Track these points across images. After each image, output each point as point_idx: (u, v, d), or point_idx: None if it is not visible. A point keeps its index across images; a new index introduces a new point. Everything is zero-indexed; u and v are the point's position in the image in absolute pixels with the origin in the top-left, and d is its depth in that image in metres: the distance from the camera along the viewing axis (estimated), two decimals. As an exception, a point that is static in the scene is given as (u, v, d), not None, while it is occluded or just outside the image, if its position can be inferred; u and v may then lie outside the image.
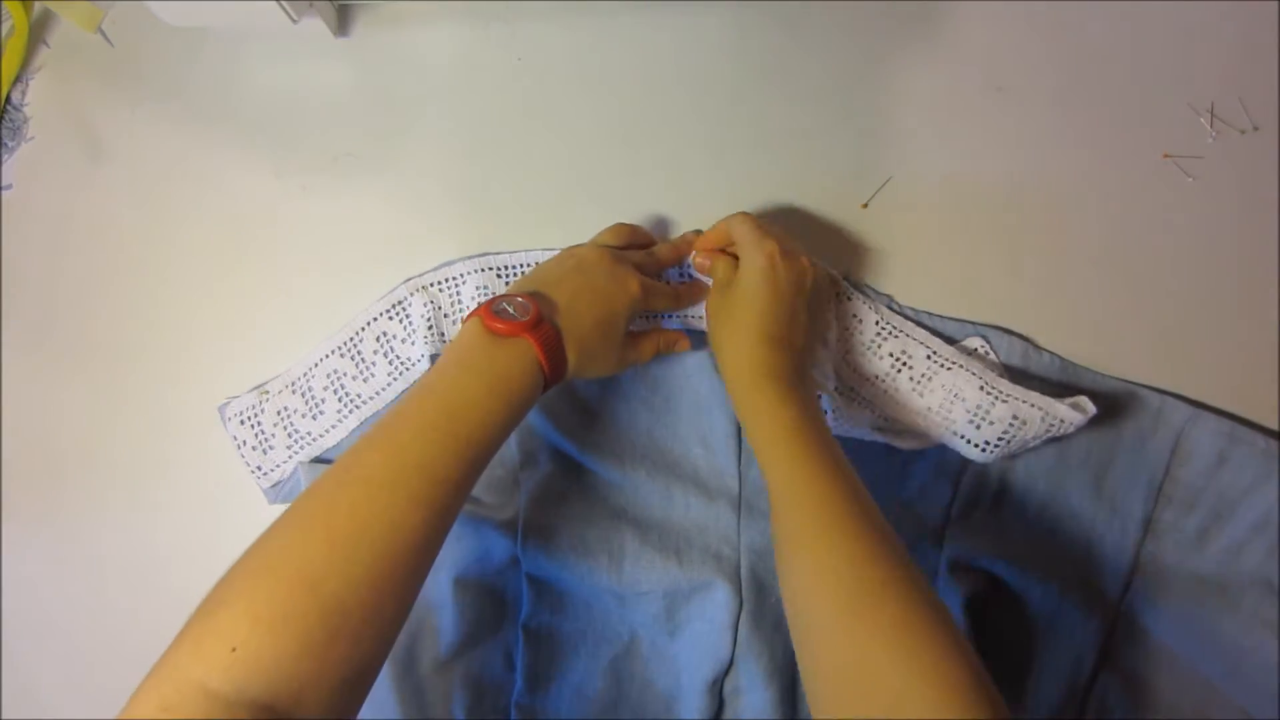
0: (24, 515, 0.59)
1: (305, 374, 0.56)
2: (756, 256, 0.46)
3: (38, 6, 0.66)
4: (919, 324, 0.52)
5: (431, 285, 0.55)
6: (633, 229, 0.53)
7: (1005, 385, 0.48)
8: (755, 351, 0.45)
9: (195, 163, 0.61)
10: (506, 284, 0.54)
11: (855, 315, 0.52)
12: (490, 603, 0.52)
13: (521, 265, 0.55)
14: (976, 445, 0.48)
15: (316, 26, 0.59)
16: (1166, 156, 0.53)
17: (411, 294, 0.55)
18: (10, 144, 0.64)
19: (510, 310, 0.43)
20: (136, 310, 0.60)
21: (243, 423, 0.56)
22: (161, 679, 0.32)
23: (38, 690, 0.57)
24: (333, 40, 0.61)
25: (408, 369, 0.55)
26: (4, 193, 0.63)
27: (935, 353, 0.50)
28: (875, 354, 0.52)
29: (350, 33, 0.61)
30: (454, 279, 0.55)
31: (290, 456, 0.56)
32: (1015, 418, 0.47)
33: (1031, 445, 0.48)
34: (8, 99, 0.64)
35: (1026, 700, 0.49)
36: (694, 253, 0.52)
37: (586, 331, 0.45)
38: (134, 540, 0.57)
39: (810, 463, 0.41)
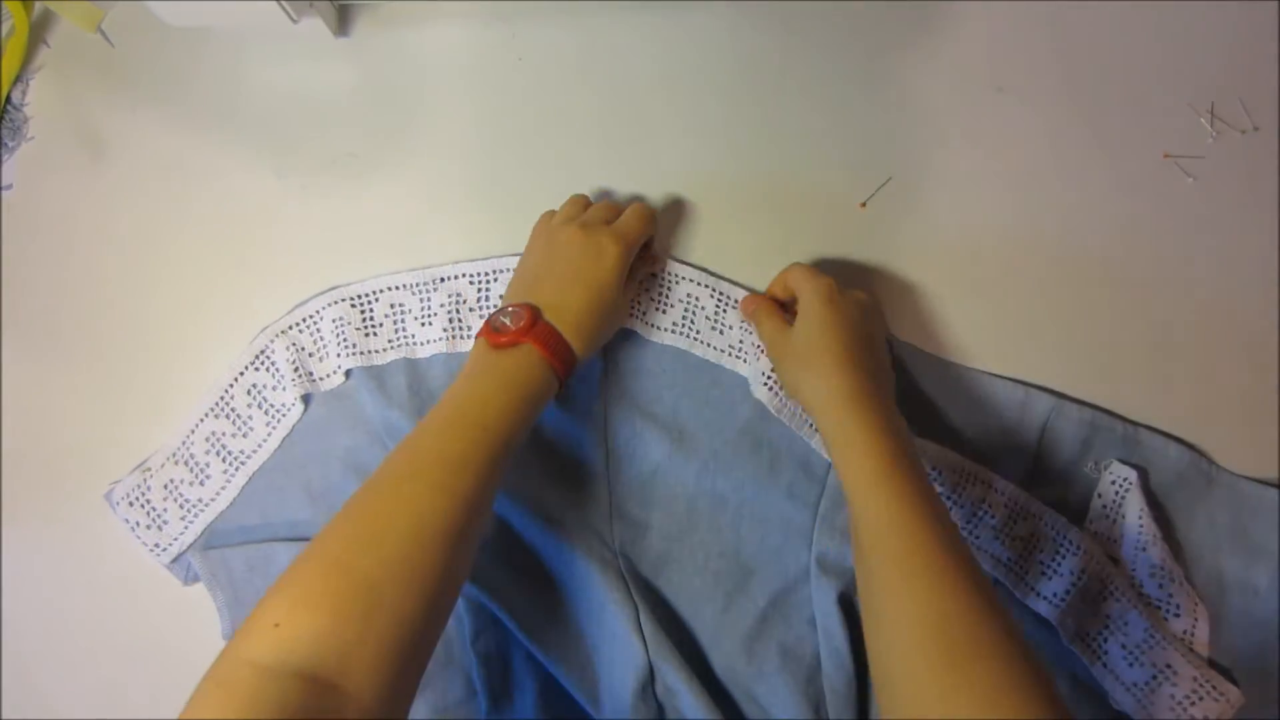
0: (24, 515, 0.59)
1: (184, 442, 0.56)
2: (817, 289, 0.47)
3: (38, 6, 0.66)
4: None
5: (291, 328, 0.56)
6: (585, 198, 0.54)
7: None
8: (841, 377, 0.44)
9: (195, 163, 0.61)
10: (362, 313, 0.55)
11: None
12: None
13: (375, 292, 0.56)
14: None
15: (316, 26, 0.59)
16: (1167, 156, 0.53)
17: (272, 340, 0.56)
18: (10, 144, 0.64)
19: (507, 322, 0.45)
20: (136, 310, 0.60)
21: (131, 504, 0.56)
22: (218, 662, 0.35)
23: (38, 690, 0.57)
24: (333, 40, 0.61)
25: (283, 415, 0.56)
26: (4, 192, 0.63)
27: None
28: None
29: (350, 33, 0.61)
30: (311, 317, 0.56)
31: (186, 527, 0.56)
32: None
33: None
34: (8, 99, 0.64)
35: None
36: (741, 300, 0.53)
37: (582, 316, 0.47)
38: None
39: (906, 504, 0.40)
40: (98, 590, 0.57)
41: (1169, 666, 0.47)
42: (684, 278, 0.54)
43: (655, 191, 0.57)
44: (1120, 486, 0.50)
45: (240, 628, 0.36)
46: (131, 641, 0.57)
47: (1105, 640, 0.49)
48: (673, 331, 0.54)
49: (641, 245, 0.51)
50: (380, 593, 0.36)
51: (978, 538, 0.50)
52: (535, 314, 0.46)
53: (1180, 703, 0.47)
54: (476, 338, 0.46)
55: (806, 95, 0.57)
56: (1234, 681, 0.47)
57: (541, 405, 0.45)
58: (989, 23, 0.56)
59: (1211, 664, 0.48)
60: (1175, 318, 0.52)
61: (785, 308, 0.51)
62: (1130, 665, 0.48)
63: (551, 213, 0.53)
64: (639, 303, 0.54)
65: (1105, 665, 0.49)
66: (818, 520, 0.51)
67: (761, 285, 0.55)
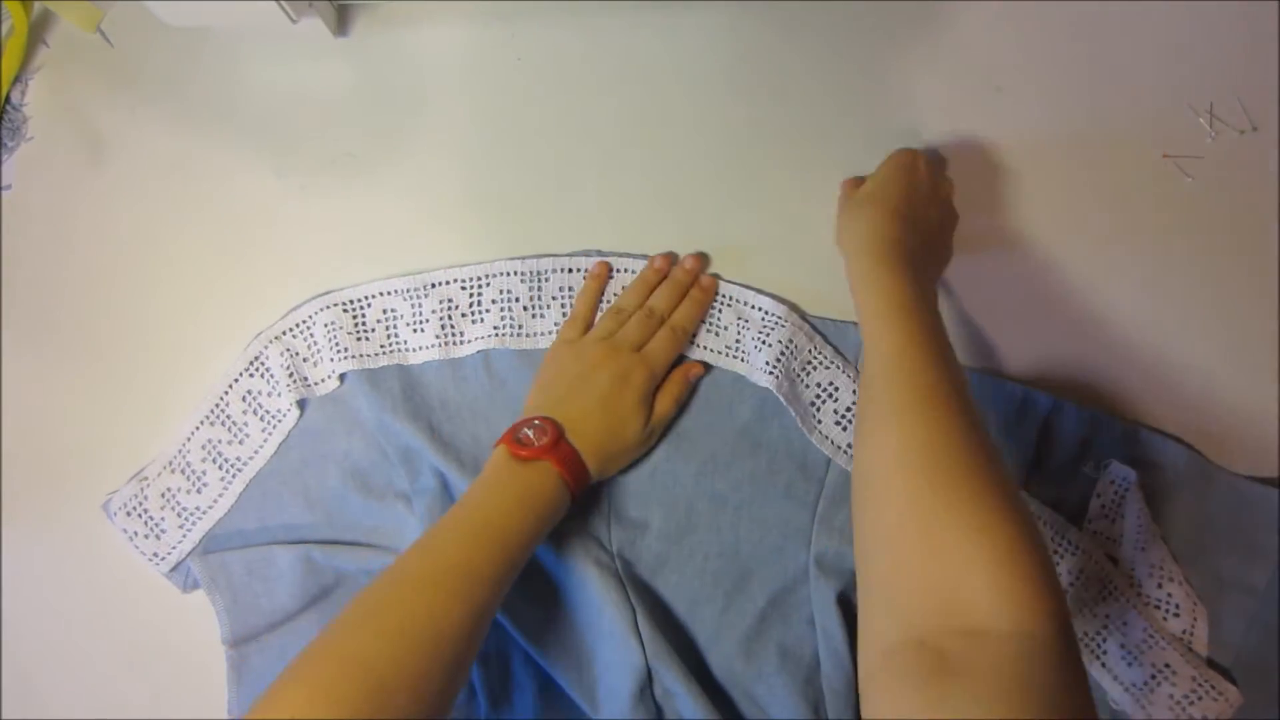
0: (24, 515, 0.59)
1: (180, 450, 0.56)
2: (903, 153, 0.50)
3: (37, 6, 0.66)
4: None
5: (284, 334, 0.56)
6: (619, 308, 0.53)
7: None
8: (878, 226, 0.46)
9: (195, 163, 0.61)
10: (354, 318, 0.56)
11: (839, 377, 0.53)
12: None
13: (367, 297, 0.56)
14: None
15: (316, 26, 0.59)
16: (1166, 156, 0.53)
17: (266, 346, 0.56)
18: (10, 144, 0.64)
19: (531, 435, 0.47)
20: (136, 310, 0.60)
21: (129, 514, 0.56)
22: None
23: (38, 690, 0.57)
24: (332, 40, 0.61)
25: (279, 421, 0.56)
26: (3, 193, 0.63)
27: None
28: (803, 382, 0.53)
29: (350, 33, 0.61)
30: (304, 322, 0.56)
31: (184, 536, 0.56)
32: None
33: None
34: (7, 99, 0.64)
35: None
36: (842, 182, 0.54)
37: (601, 441, 0.49)
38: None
39: (914, 339, 0.41)
40: (97, 591, 0.57)
41: (1167, 666, 0.47)
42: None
43: (654, 190, 0.57)
44: (1119, 486, 0.50)
45: (259, 704, 0.37)
46: (131, 643, 0.57)
47: (1104, 640, 0.49)
48: (704, 348, 0.54)
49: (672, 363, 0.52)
50: (392, 696, 0.37)
51: None
52: (559, 432, 0.47)
53: (1179, 702, 0.47)
54: (498, 444, 0.48)
55: (806, 95, 0.57)
56: (1233, 681, 0.47)
57: (554, 521, 0.47)
58: (989, 23, 0.56)
59: (1210, 664, 0.48)
60: (1175, 318, 0.52)
61: None
62: (1129, 665, 0.48)
63: (578, 323, 0.54)
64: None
65: (1104, 665, 0.49)
66: (816, 520, 0.51)
67: (761, 286, 0.55)
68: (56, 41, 0.66)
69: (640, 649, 0.48)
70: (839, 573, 0.50)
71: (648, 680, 0.49)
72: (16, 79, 0.65)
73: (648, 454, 0.53)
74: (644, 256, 0.55)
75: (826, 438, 0.52)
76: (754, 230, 0.56)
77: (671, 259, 0.55)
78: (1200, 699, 0.47)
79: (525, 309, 0.55)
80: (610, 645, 0.49)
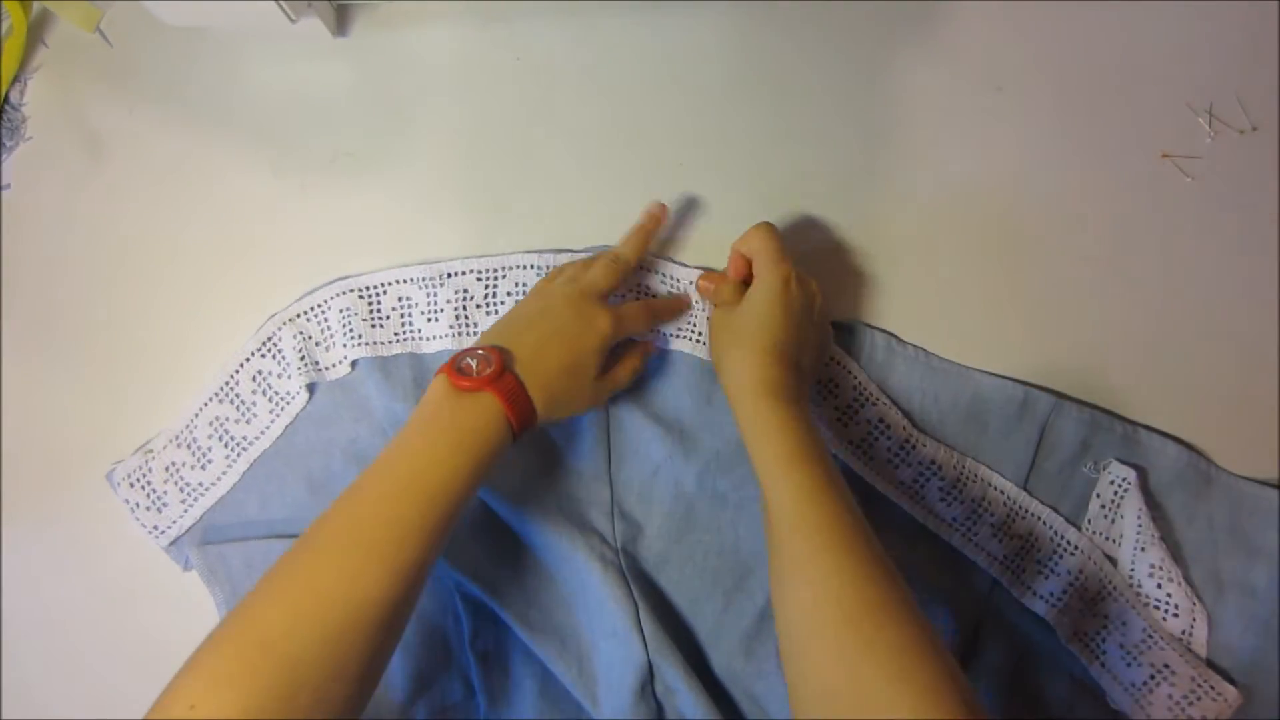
0: (24, 515, 0.59)
1: (188, 425, 0.56)
2: (773, 274, 0.47)
3: (36, 6, 0.66)
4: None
5: (299, 316, 0.56)
6: (623, 267, 0.51)
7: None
8: (764, 369, 0.45)
9: (194, 163, 0.61)
10: (370, 304, 0.55)
11: (839, 373, 0.53)
12: (435, 640, 0.52)
13: (383, 284, 0.55)
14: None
15: (315, 26, 0.59)
16: (1165, 156, 0.53)
17: (280, 328, 0.56)
18: (9, 144, 0.64)
19: (473, 364, 0.43)
20: (136, 310, 0.60)
21: (132, 485, 0.56)
22: None
23: (38, 690, 0.57)
24: (331, 40, 0.61)
25: (287, 403, 0.56)
26: (3, 192, 0.63)
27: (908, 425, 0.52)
28: (854, 418, 0.52)
29: (349, 33, 0.61)
30: (319, 306, 0.56)
31: (185, 510, 0.56)
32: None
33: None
34: (6, 98, 0.64)
35: None
36: (698, 278, 0.53)
37: (553, 378, 0.45)
38: (134, 540, 0.57)
39: (814, 486, 0.41)
40: (97, 589, 0.58)
41: (1167, 666, 0.47)
42: (684, 280, 0.54)
43: (653, 190, 0.57)
44: (1119, 487, 0.50)
45: (158, 703, 0.34)
46: (131, 642, 0.57)
47: (1103, 640, 0.49)
48: (676, 336, 0.54)
49: (634, 335, 0.51)
50: (305, 673, 0.35)
51: (976, 535, 0.50)
52: (504, 362, 0.44)
53: (1178, 703, 0.47)
54: (437, 373, 0.44)
55: (805, 95, 0.57)
56: (1232, 682, 0.48)
57: (495, 461, 0.43)
58: (989, 23, 0.56)
59: (1210, 664, 0.48)
60: (1174, 318, 0.52)
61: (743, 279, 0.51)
62: (1128, 665, 0.48)
63: (561, 269, 0.53)
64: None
65: (1103, 665, 0.49)
66: None
67: (667, 209, 0.55)
68: (56, 41, 0.66)
69: (642, 645, 0.48)
70: None
71: (649, 677, 0.49)
72: (16, 79, 0.65)
73: (650, 452, 0.53)
74: (663, 257, 0.55)
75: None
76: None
77: (664, 208, 0.54)
78: (1199, 699, 0.47)
79: None
80: (612, 641, 0.49)
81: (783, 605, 0.41)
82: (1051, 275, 0.53)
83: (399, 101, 0.60)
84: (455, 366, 0.43)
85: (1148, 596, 0.49)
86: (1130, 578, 0.49)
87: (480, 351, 0.44)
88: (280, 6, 0.54)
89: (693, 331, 0.54)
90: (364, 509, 0.39)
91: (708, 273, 0.53)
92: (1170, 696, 0.47)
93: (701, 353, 0.53)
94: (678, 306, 0.53)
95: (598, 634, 0.50)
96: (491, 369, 0.43)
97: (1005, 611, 0.50)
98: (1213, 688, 0.47)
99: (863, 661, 0.36)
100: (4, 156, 0.63)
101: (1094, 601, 0.49)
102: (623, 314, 0.49)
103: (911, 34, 0.57)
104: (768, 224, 0.50)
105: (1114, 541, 0.50)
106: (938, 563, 0.51)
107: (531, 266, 0.55)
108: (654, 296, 0.54)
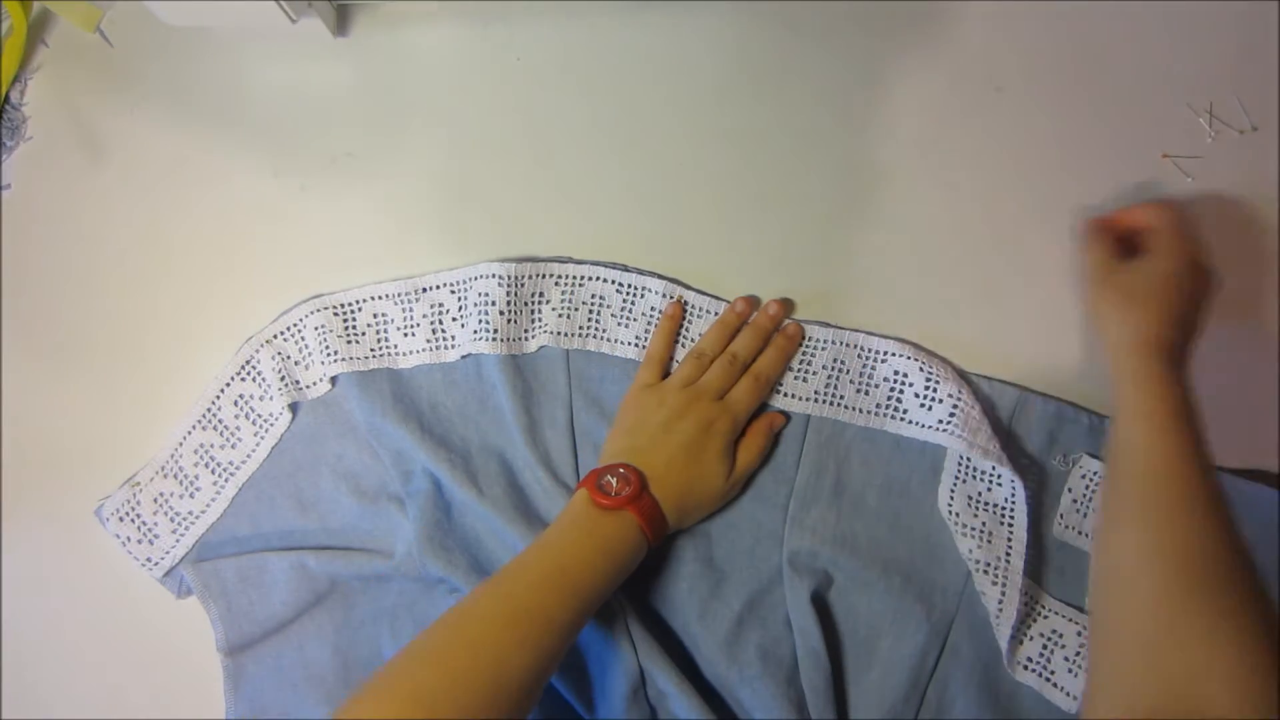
0: (24, 515, 0.59)
1: (172, 455, 0.56)
2: (1181, 251, 0.46)
3: (36, 6, 0.66)
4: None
5: (275, 337, 0.56)
6: (699, 353, 0.52)
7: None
8: (1160, 330, 0.44)
9: (194, 163, 0.61)
10: (344, 321, 0.55)
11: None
12: None
13: (358, 301, 0.56)
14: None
15: (315, 26, 0.59)
16: (1165, 157, 0.53)
17: (258, 350, 0.56)
18: (9, 144, 0.64)
19: (613, 483, 0.47)
20: (136, 310, 0.60)
21: (121, 519, 0.56)
22: None
23: (38, 690, 0.57)
24: (331, 40, 0.61)
25: (271, 425, 0.56)
26: (3, 192, 0.63)
27: None
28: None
29: (349, 33, 0.61)
30: (294, 325, 0.56)
31: (177, 541, 0.56)
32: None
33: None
34: (6, 98, 0.64)
35: (870, 690, 0.49)
36: (1092, 221, 0.51)
37: (682, 493, 0.48)
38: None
39: (1183, 449, 0.41)
40: (97, 592, 0.58)
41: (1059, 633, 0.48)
42: (703, 308, 0.55)
43: (653, 191, 0.57)
44: (1091, 481, 0.50)
45: None
46: (131, 643, 0.57)
47: (1049, 659, 0.49)
48: (635, 345, 0.54)
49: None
50: None
51: None
52: (641, 483, 0.47)
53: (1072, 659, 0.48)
54: (579, 487, 0.48)
55: (805, 96, 0.57)
56: None
57: (632, 568, 0.47)
58: (989, 23, 0.56)
59: None
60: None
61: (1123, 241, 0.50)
62: (1074, 675, 0.48)
63: (654, 365, 0.53)
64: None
65: (1055, 685, 0.49)
66: (788, 521, 0.52)
67: (754, 287, 0.55)
68: (56, 41, 0.66)
69: (632, 650, 0.48)
70: (811, 571, 0.50)
71: (640, 681, 0.49)
72: (16, 79, 0.65)
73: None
74: (652, 274, 0.55)
75: (911, 421, 0.51)
76: (752, 230, 0.56)
77: (754, 303, 0.54)
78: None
79: (501, 313, 0.54)
80: (602, 646, 0.49)
81: (1115, 543, 0.41)
82: (1051, 275, 0.53)
83: (399, 102, 0.60)
84: (597, 484, 0.47)
85: None
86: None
87: (621, 471, 0.47)
88: (280, 6, 0.54)
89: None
90: (519, 592, 0.43)
91: (1099, 223, 0.51)
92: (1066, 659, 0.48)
93: (819, 410, 0.52)
94: (781, 360, 0.53)
95: (589, 639, 0.50)
96: (630, 489, 0.46)
97: (979, 609, 0.50)
98: None
99: (1193, 609, 0.36)
100: (4, 156, 0.63)
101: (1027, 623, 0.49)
102: (735, 406, 0.50)
103: (911, 34, 0.57)
104: (1168, 203, 0.49)
105: (1087, 536, 0.50)
106: (914, 557, 0.51)
107: (494, 276, 0.54)
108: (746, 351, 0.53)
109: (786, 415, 0.53)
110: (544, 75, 0.59)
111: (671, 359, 0.54)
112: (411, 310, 0.55)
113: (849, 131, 0.56)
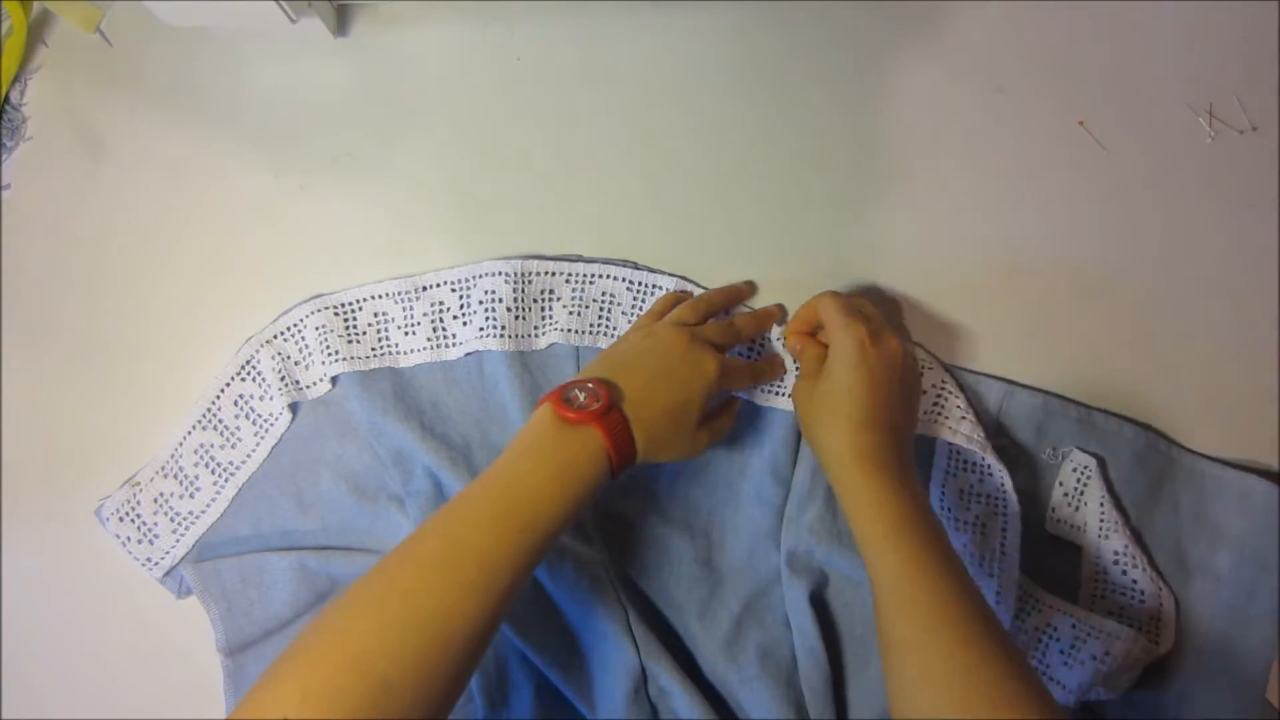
0: (24, 515, 0.59)
1: (173, 455, 0.56)
2: (845, 341, 0.45)
3: (36, 6, 0.66)
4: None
5: (276, 337, 0.56)
6: (706, 302, 0.51)
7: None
8: (854, 439, 0.43)
9: (194, 163, 0.61)
10: (345, 320, 0.55)
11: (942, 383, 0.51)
12: None
13: (358, 301, 0.55)
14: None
15: (315, 26, 0.59)
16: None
17: (258, 350, 0.56)
18: (9, 144, 0.64)
19: (580, 397, 0.43)
20: (136, 310, 0.60)
21: (121, 519, 0.56)
22: None
23: (38, 690, 0.57)
24: (331, 40, 0.61)
25: (271, 425, 0.56)
26: (3, 192, 0.63)
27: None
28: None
29: (349, 33, 0.61)
30: (295, 325, 0.56)
31: (177, 541, 0.56)
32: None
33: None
34: (6, 98, 0.64)
35: (867, 689, 0.49)
36: (783, 334, 0.52)
37: (657, 418, 0.44)
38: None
39: (920, 560, 0.40)
40: (97, 591, 0.57)
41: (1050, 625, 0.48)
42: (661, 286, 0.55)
43: (654, 190, 0.57)
44: (1082, 475, 0.50)
45: (244, 708, 0.34)
46: (131, 643, 0.57)
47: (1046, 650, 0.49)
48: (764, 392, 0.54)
49: (734, 391, 0.51)
50: (393, 697, 0.35)
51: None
52: (611, 398, 0.43)
53: (1066, 653, 0.48)
54: (541, 401, 0.44)
55: (806, 95, 0.57)
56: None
57: (590, 499, 0.42)
58: (989, 23, 0.56)
59: (1180, 650, 0.48)
60: (1176, 319, 0.52)
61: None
62: (1069, 667, 0.48)
63: (656, 311, 0.52)
64: None
65: (1051, 678, 0.49)
66: (785, 521, 0.52)
67: (757, 288, 0.55)
68: (56, 41, 0.66)
69: (634, 649, 0.49)
70: (809, 570, 0.50)
71: (642, 680, 0.49)
72: (16, 79, 0.65)
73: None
74: (663, 271, 0.55)
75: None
76: (751, 233, 0.56)
77: (754, 290, 0.54)
78: (1086, 641, 0.48)
79: (509, 310, 0.54)
80: (605, 645, 0.49)
81: (895, 688, 0.39)
82: (1050, 275, 0.53)
83: (399, 102, 0.60)
84: (562, 397, 0.43)
85: (1113, 584, 0.49)
86: (1096, 565, 0.49)
87: (590, 385, 0.43)
88: (280, 6, 0.54)
89: (780, 388, 0.53)
90: (461, 533, 0.39)
91: (795, 330, 0.51)
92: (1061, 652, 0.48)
93: (785, 404, 0.53)
94: (777, 371, 0.52)
95: (591, 638, 0.50)
96: (599, 404, 0.42)
97: None
98: (1094, 627, 0.47)
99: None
100: (4, 156, 0.63)
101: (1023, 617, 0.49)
102: (729, 366, 0.48)
103: (911, 34, 0.57)
104: (829, 292, 0.49)
105: (1079, 529, 0.50)
106: None
107: (500, 274, 0.54)
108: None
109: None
110: (544, 75, 0.59)
111: None
112: (412, 309, 0.55)
113: (849, 131, 0.56)
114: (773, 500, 0.52)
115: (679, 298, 0.54)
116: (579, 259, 0.56)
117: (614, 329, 0.55)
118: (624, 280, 0.55)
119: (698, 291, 0.54)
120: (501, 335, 0.54)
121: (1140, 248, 0.53)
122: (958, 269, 0.54)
